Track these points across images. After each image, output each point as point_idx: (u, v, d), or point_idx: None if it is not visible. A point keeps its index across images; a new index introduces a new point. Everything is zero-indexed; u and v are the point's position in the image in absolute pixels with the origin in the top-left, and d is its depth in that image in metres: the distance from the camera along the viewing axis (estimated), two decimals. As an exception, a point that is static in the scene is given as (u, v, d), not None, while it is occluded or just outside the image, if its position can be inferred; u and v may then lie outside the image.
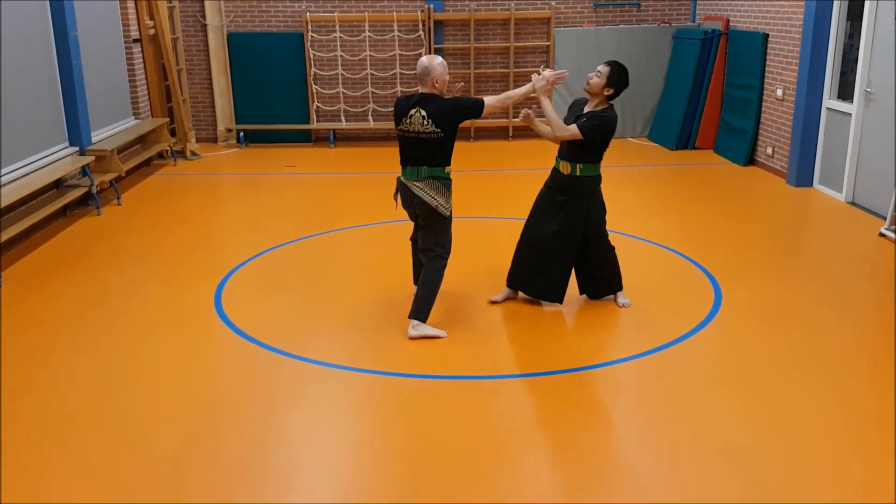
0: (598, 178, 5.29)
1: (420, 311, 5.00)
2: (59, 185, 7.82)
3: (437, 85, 4.89)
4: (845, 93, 8.25)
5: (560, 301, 5.42)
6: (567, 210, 5.23)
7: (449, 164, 4.98)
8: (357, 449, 3.89)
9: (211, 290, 5.88)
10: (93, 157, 8.10)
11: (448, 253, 5.09)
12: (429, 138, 4.85)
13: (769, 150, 9.43)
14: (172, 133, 10.80)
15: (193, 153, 10.83)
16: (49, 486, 3.57)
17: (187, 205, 8.46)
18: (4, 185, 6.78)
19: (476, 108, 4.93)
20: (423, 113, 4.83)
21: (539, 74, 5.16)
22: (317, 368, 4.69)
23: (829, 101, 8.41)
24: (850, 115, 8.00)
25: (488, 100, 4.97)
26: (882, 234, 6.96)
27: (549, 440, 3.94)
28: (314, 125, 11.60)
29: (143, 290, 5.94)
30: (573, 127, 5.06)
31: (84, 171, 7.99)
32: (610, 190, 8.84)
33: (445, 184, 4.96)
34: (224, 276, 6.17)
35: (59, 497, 3.49)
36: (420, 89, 4.94)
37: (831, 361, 4.70)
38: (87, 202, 8.12)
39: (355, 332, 5.19)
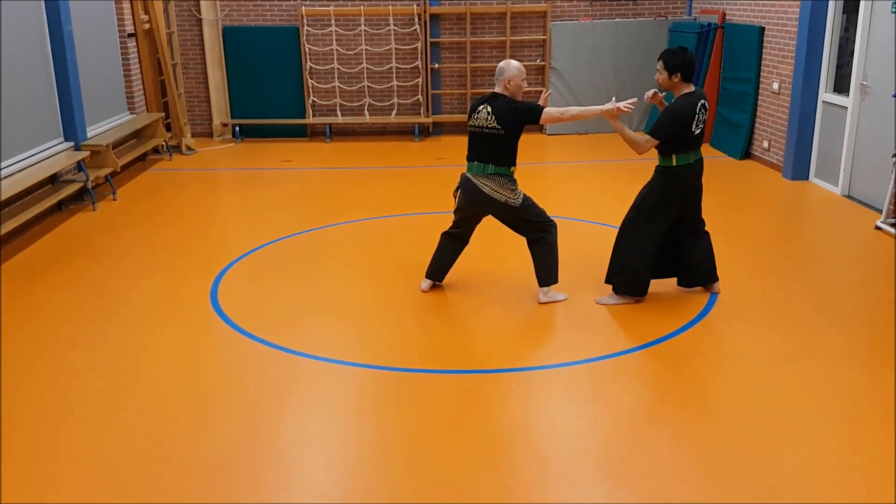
0: (677, 169, 5.14)
1: (549, 278, 5.36)
2: (54, 181, 7.81)
3: (508, 86, 5.11)
4: (841, 86, 8.25)
5: (632, 294, 5.40)
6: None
7: (514, 165, 5.19)
8: (355, 445, 3.88)
9: (207, 285, 5.87)
10: (88, 153, 8.08)
11: (550, 222, 5.32)
12: (491, 134, 5.08)
13: (765, 144, 9.43)
14: (168, 128, 10.78)
15: (189, 148, 10.80)
16: (45, 481, 3.56)
17: (183, 200, 8.44)
18: (1, 179, 6.75)
19: (533, 113, 5.06)
20: (489, 109, 5.08)
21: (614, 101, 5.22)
22: (313, 363, 4.69)
23: (825, 95, 8.41)
24: (846, 108, 8.00)
25: (548, 109, 5.09)
26: (878, 227, 6.97)
27: (548, 437, 3.94)
28: (310, 120, 11.57)
29: (138, 286, 5.93)
30: (646, 137, 5.06)
31: (79, 166, 7.97)
32: (607, 184, 8.84)
33: (511, 180, 5.18)
34: (220, 271, 6.16)
35: (55, 491, 3.49)
36: (494, 88, 5.18)
37: (828, 355, 4.70)
38: (82, 197, 8.10)
39: (352, 326, 5.19)
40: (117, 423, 4.03)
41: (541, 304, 5.40)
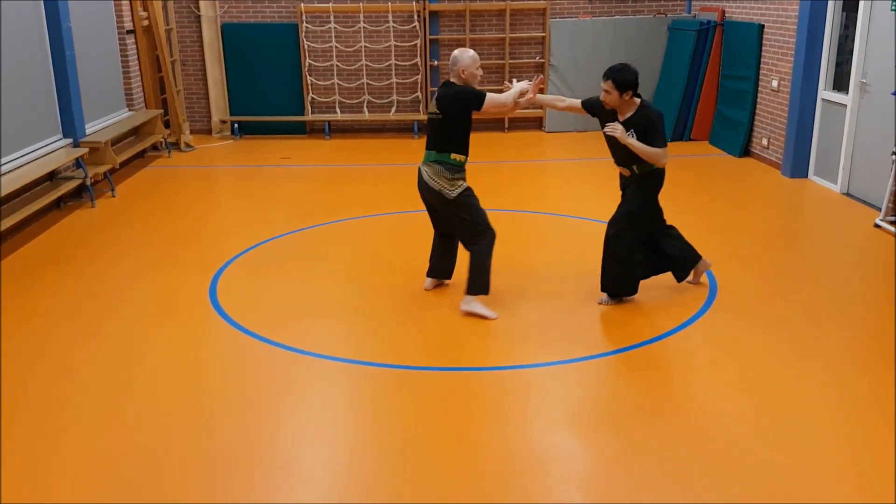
0: (658, 171, 5.18)
1: (474, 284, 5.10)
2: (52, 178, 7.80)
3: (462, 75, 5.01)
4: (840, 84, 8.25)
5: (631, 293, 5.39)
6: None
7: (458, 153, 5.02)
8: (354, 442, 3.88)
9: (206, 282, 5.87)
10: (87, 149, 8.07)
11: (488, 228, 5.08)
12: (433, 120, 5.04)
13: (764, 142, 9.43)
14: (166, 125, 10.77)
15: (188, 145, 10.79)
16: (44, 480, 3.56)
17: (182, 197, 8.44)
18: (-2, 177, 6.76)
19: (476, 99, 4.97)
20: (437, 95, 5.06)
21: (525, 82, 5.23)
22: (312, 360, 4.68)
23: (825, 93, 8.41)
24: (845, 106, 8.00)
25: (492, 95, 5.01)
26: (877, 225, 6.98)
27: (548, 434, 3.94)
28: (309, 117, 11.56)
29: (137, 283, 5.92)
30: (660, 150, 4.98)
31: (78, 162, 7.96)
32: (606, 182, 8.82)
33: (450, 169, 5.01)
34: (219, 269, 6.15)
35: (55, 490, 3.49)
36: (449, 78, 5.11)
37: (827, 353, 4.70)
38: (81, 194, 8.09)
39: (351, 323, 5.18)
40: (116, 422, 4.03)
41: (462, 313, 5.13)
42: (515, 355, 4.78)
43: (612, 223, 5.27)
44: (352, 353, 4.75)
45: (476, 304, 5.12)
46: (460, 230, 5.12)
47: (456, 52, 5.05)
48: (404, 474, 3.59)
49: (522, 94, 5.15)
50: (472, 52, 5.05)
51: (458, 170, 5.05)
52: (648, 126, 5.00)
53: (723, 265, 6.05)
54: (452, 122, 4.99)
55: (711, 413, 4.04)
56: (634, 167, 5.15)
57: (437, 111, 4.98)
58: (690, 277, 5.63)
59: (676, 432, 3.87)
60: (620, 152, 5.14)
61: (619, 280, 5.35)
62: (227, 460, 3.68)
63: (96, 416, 4.08)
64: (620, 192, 5.36)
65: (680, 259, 5.51)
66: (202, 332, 5.14)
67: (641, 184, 5.21)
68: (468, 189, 5.07)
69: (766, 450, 3.70)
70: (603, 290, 5.43)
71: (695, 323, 5.10)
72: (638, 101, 5.08)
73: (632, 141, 4.98)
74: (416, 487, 3.49)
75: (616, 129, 4.99)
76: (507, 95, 5.11)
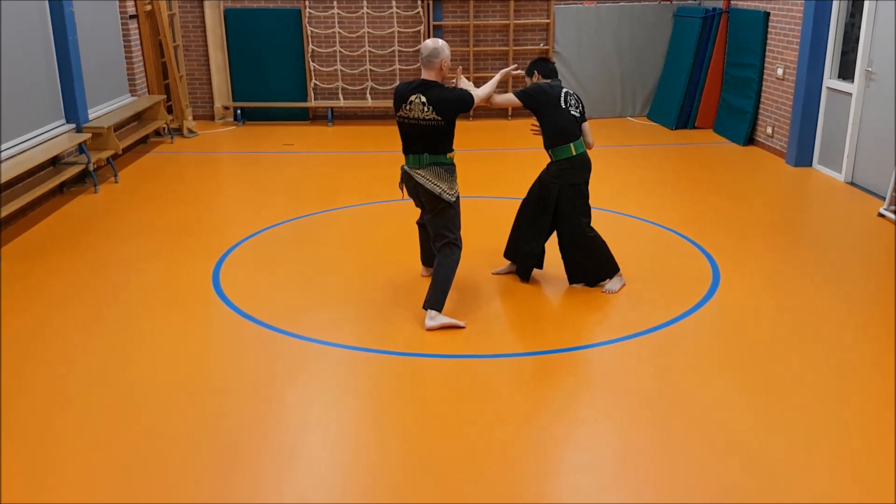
0: (570, 159, 5.28)
1: (436, 301, 4.86)
2: (56, 163, 7.79)
3: (444, 68, 4.78)
4: (846, 72, 8.21)
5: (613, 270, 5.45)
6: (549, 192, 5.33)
7: (451, 151, 4.88)
8: (356, 428, 3.89)
9: (209, 269, 5.87)
10: (90, 135, 8.05)
11: (459, 240, 4.97)
12: (429, 125, 4.75)
13: (769, 130, 9.40)
14: (169, 110, 10.75)
15: (190, 131, 10.78)
16: (43, 463, 3.58)
17: (185, 183, 8.43)
18: (2, 161, 6.74)
19: (467, 103, 4.85)
20: (424, 99, 4.72)
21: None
22: (315, 347, 4.69)
23: (830, 81, 8.37)
24: (850, 94, 7.97)
25: (476, 94, 4.94)
26: (881, 215, 6.96)
27: (544, 427, 3.94)
28: (312, 103, 11.54)
29: (140, 269, 5.93)
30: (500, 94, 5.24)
31: (81, 148, 7.96)
32: (609, 170, 8.81)
33: (448, 169, 4.85)
34: (222, 255, 6.15)
35: (57, 476, 3.50)
36: (423, 75, 4.84)
37: (830, 342, 4.70)
38: (84, 180, 8.09)
39: (354, 310, 5.18)
40: (117, 407, 4.04)
41: (428, 329, 4.83)
42: (515, 343, 4.79)
43: (577, 226, 5.26)
44: (356, 341, 4.76)
45: (441, 317, 4.87)
46: (440, 232, 4.92)
47: (429, 43, 4.77)
48: (407, 461, 3.60)
49: (504, 77, 5.29)
50: (443, 40, 4.83)
51: (454, 168, 4.91)
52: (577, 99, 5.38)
53: (726, 254, 6.05)
54: (450, 125, 4.80)
55: (712, 404, 4.04)
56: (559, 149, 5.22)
57: (439, 118, 4.71)
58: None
59: (677, 424, 3.88)
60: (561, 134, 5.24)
61: (602, 265, 5.38)
62: (230, 447, 3.69)
63: (98, 402, 4.09)
64: (543, 186, 5.36)
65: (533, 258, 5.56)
66: (205, 318, 5.14)
67: (570, 171, 5.25)
68: (459, 200, 4.95)
69: (767, 444, 3.70)
70: (590, 285, 5.46)
71: (698, 311, 5.10)
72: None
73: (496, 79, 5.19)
74: (420, 476, 3.50)
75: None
76: (486, 91, 5.07)
